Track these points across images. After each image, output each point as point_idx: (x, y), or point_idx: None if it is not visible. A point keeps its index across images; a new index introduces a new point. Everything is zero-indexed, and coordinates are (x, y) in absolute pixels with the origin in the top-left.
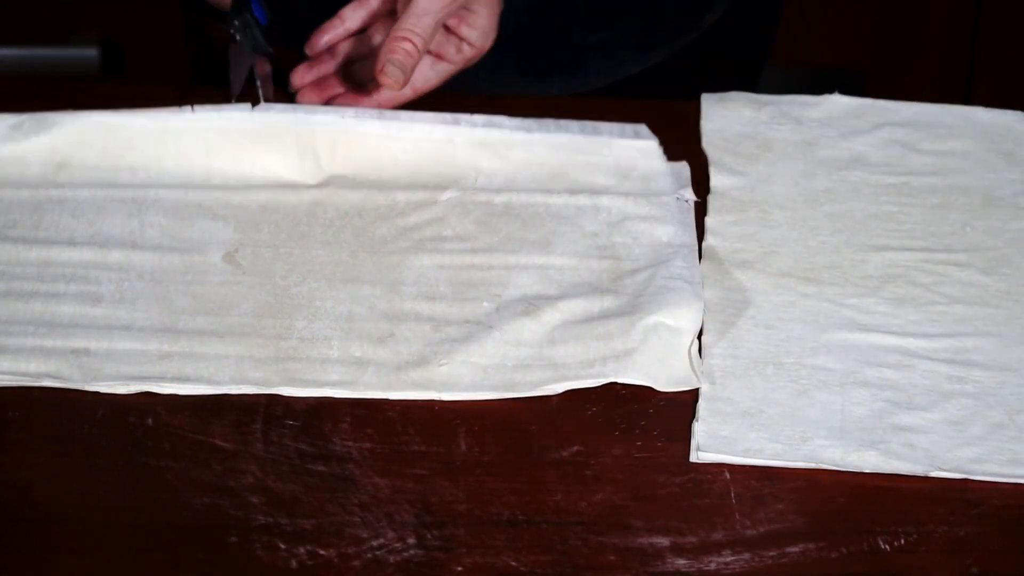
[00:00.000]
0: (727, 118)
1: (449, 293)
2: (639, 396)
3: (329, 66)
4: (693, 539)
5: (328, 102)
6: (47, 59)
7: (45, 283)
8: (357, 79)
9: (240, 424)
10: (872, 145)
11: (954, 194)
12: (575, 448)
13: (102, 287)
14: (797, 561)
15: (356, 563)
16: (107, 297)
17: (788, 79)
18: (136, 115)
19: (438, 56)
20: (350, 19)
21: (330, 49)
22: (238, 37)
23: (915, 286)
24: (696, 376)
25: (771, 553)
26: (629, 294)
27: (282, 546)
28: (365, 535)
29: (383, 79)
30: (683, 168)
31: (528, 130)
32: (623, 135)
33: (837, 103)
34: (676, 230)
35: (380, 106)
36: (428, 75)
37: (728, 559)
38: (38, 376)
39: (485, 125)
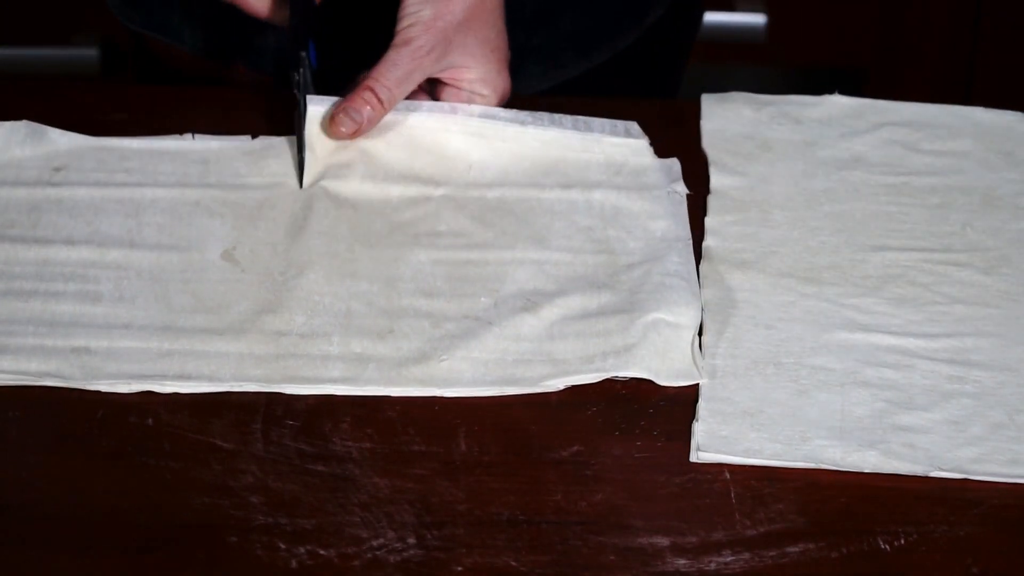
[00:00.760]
0: (727, 118)
1: (447, 289)
2: (639, 396)
3: None
4: (693, 539)
5: None
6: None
7: (44, 282)
8: None
9: (240, 424)
10: (872, 145)
11: (954, 194)
12: (575, 448)
13: (101, 286)
14: (797, 561)
15: (356, 563)
16: (106, 296)
17: (788, 79)
18: (134, 140)
19: None
20: None
21: None
22: (297, 79)
23: (915, 286)
24: (697, 369)
25: (771, 553)
26: (626, 290)
27: (282, 546)
28: (365, 535)
29: (332, 128)
30: (673, 163)
31: (522, 123)
32: (614, 132)
33: (837, 103)
34: (669, 224)
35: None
36: None
37: (728, 559)
38: (39, 375)
39: (481, 115)
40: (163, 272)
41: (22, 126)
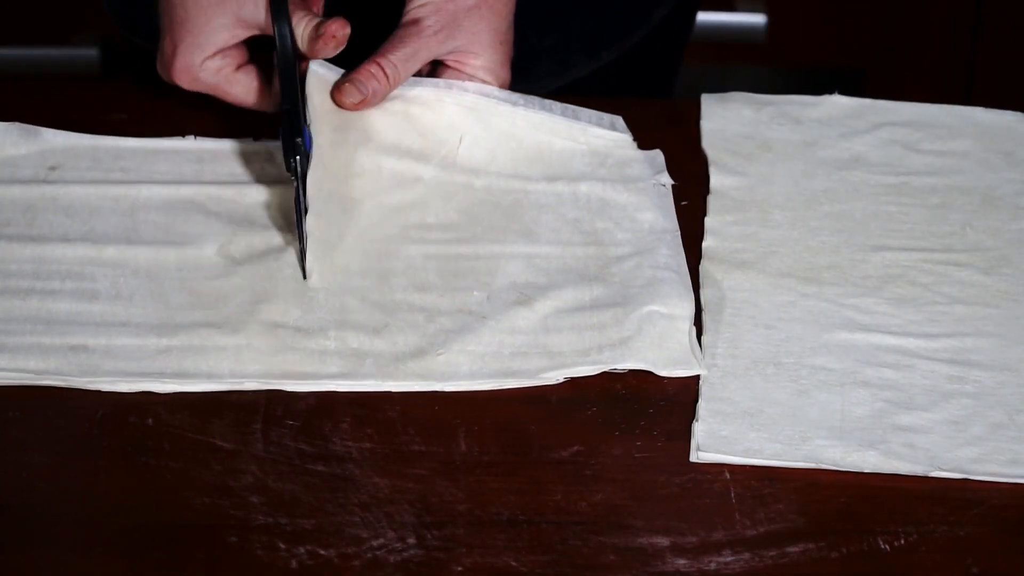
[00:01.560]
0: (727, 118)
1: (439, 283)
2: (639, 396)
3: None
4: (693, 539)
5: None
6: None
7: (41, 280)
8: None
9: (240, 424)
10: (872, 145)
11: (954, 194)
12: (575, 448)
13: (98, 284)
14: (797, 561)
15: (356, 563)
16: (103, 294)
17: (788, 79)
18: (128, 140)
19: None
20: None
21: None
22: (294, 164)
23: (915, 286)
24: (695, 359)
25: (771, 553)
26: (618, 283)
27: (282, 546)
28: (365, 535)
29: (339, 96)
30: (656, 155)
31: (514, 103)
32: (600, 124)
33: (837, 103)
34: (656, 215)
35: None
36: None
37: (728, 559)
38: (38, 373)
39: (476, 91)
40: (159, 269)
41: (15, 127)
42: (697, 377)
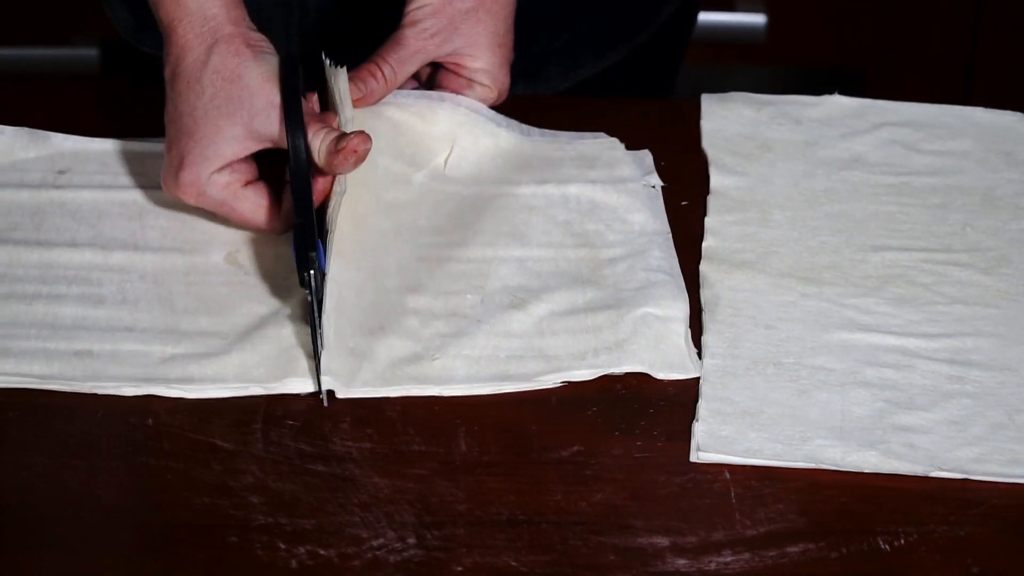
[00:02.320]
0: (727, 118)
1: (432, 286)
2: (639, 396)
3: None
4: (693, 539)
5: None
6: (47, 59)
7: (47, 285)
8: None
9: (240, 424)
10: (872, 145)
11: (954, 194)
12: (575, 448)
13: (104, 289)
14: (797, 561)
15: (356, 563)
16: (109, 299)
17: (788, 79)
18: (136, 143)
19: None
20: None
21: None
22: (307, 279)
23: (915, 286)
24: (691, 362)
25: (771, 553)
26: (611, 286)
27: (282, 546)
28: (365, 535)
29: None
30: (645, 155)
31: (498, 124)
32: (582, 139)
33: (837, 103)
34: (647, 217)
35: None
36: None
37: (728, 559)
38: (43, 378)
39: (467, 107)
40: (166, 275)
41: (24, 132)
42: (697, 377)
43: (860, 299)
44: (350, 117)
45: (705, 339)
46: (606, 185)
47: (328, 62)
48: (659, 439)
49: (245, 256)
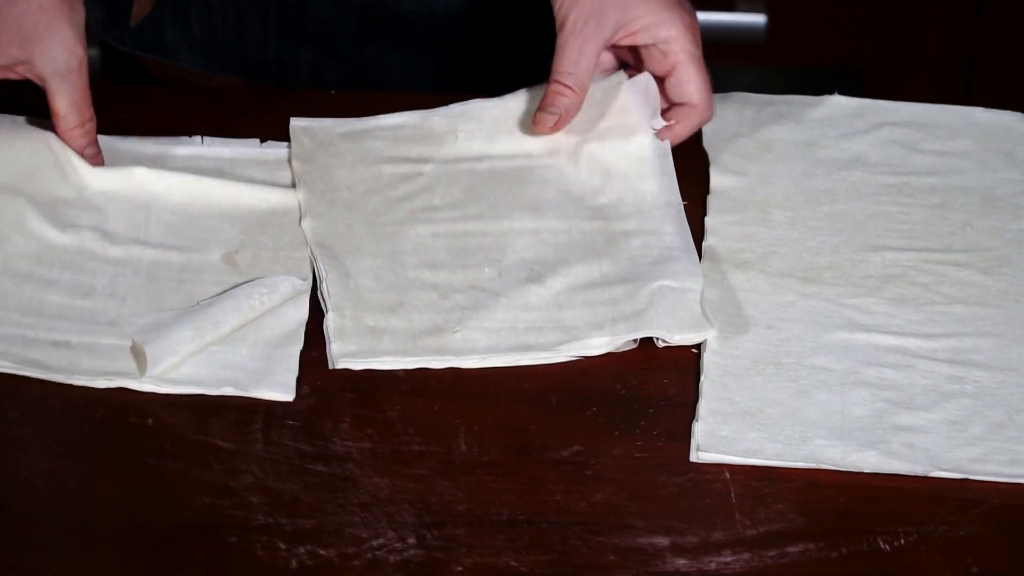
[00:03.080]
0: (727, 118)
1: (450, 260)
2: (639, 396)
3: None
4: (693, 539)
5: None
6: None
7: (42, 266)
8: None
9: (240, 424)
10: (872, 145)
11: (954, 194)
12: (575, 448)
13: (96, 280)
14: (797, 561)
15: (356, 563)
16: (98, 291)
17: (788, 79)
18: (144, 142)
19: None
20: None
21: None
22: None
23: (915, 286)
24: (708, 322)
25: (771, 553)
26: (626, 259)
27: (282, 546)
28: (365, 535)
29: (537, 127)
30: (648, 81)
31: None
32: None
33: (837, 103)
34: (658, 186)
35: None
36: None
37: (728, 559)
38: (20, 362)
39: (460, 104)
40: (160, 271)
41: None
42: (697, 377)
43: (860, 299)
44: (503, 152)
45: (705, 339)
46: (616, 143)
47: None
48: (659, 439)
49: (244, 257)
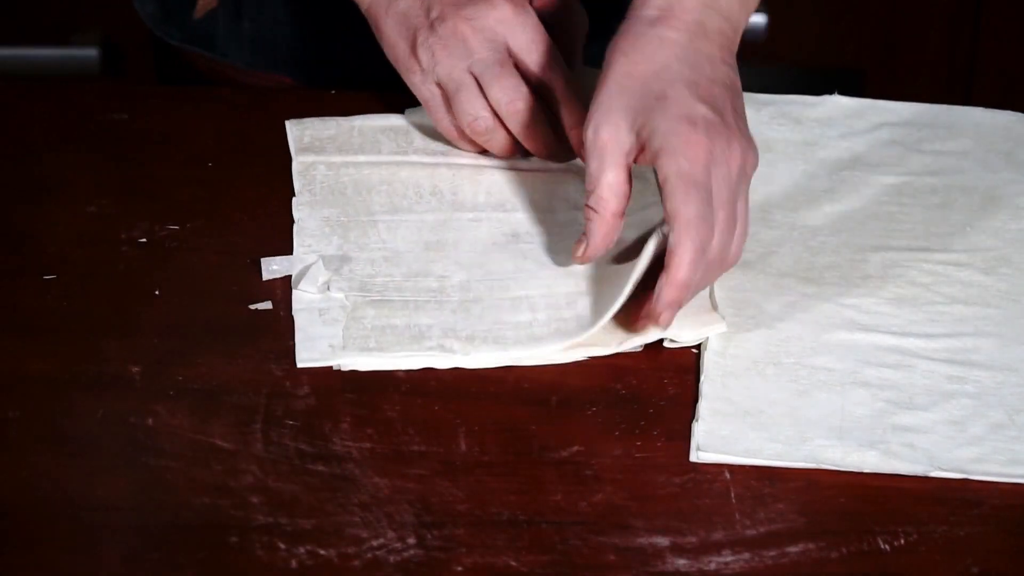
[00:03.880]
0: None
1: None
2: (639, 396)
3: None
4: (693, 539)
5: None
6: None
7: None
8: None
9: (240, 424)
10: (872, 145)
11: (954, 194)
12: (575, 448)
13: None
14: (797, 561)
15: (356, 563)
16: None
17: (788, 79)
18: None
19: None
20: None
21: None
22: None
23: (915, 286)
24: (718, 313)
25: (771, 553)
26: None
27: (282, 546)
28: (365, 535)
29: (575, 258)
30: None
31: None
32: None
33: (837, 103)
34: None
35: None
36: None
37: (728, 559)
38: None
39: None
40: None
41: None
42: (697, 377)
43: (860, 299)
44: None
45: (707, 338)
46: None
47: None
48: (659, 439)
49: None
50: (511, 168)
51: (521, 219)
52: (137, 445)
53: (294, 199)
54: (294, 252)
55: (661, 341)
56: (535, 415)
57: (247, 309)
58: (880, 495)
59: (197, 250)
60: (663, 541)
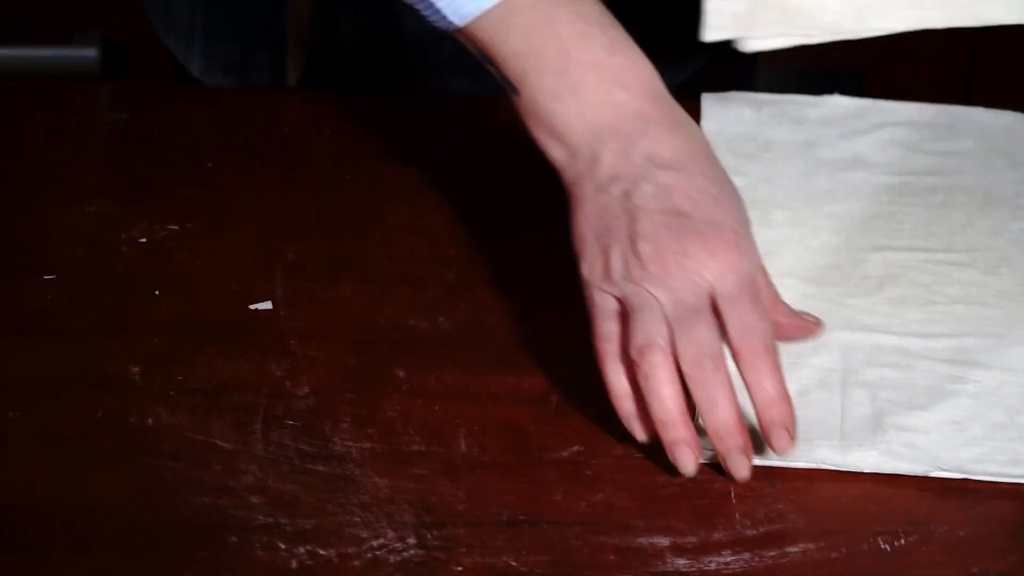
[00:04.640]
0: (727, 118)
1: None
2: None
3: None
4: (693, 539)
5: None
6: (47, 59)
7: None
8: None
9: (240, 424)
10: (872, 145)
11: (954, 194)
12: (575, 448)
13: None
14: (797, 561)
15: (356, 563)
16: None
17: (788, 79)
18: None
19: None
20: None
21: None
22: None
23: (915, 286)
24: None
25: (771, 553)
26: None
27: (282, 546)
28: (365, 535)
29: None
30: None
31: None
32: None
33: (837, 103)
34: None
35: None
36: None
37: (728, 559)
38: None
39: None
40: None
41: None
42: None
43: (861, 299)
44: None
45: None
46: None
47: None
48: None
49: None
50: None
51: None
52: (137, 445)
53: None
54: None
55: None
56: (535, 415)
57: (247, 309)
58: (880, 495)
59: (197, 250)
60: (663, 541)
